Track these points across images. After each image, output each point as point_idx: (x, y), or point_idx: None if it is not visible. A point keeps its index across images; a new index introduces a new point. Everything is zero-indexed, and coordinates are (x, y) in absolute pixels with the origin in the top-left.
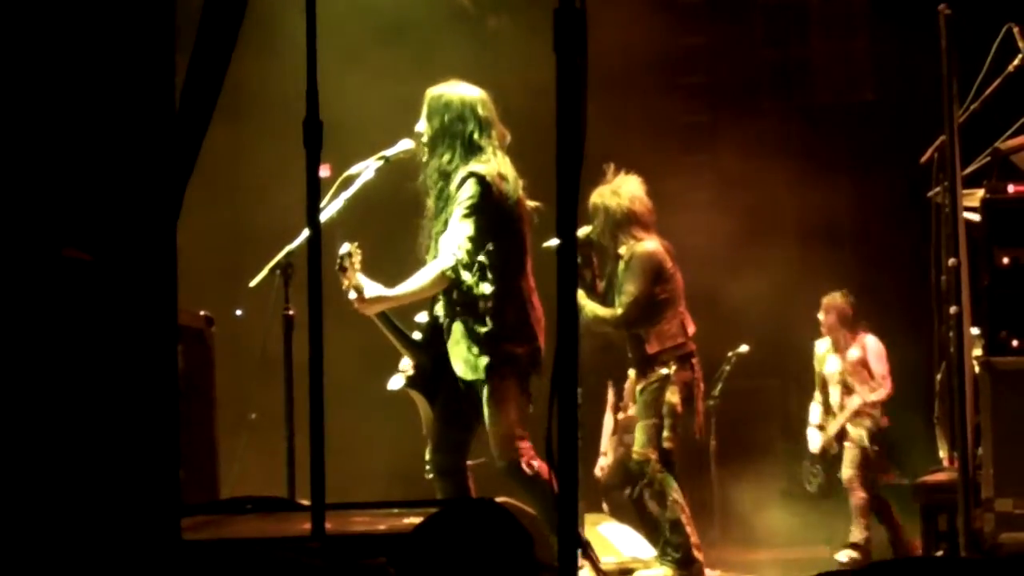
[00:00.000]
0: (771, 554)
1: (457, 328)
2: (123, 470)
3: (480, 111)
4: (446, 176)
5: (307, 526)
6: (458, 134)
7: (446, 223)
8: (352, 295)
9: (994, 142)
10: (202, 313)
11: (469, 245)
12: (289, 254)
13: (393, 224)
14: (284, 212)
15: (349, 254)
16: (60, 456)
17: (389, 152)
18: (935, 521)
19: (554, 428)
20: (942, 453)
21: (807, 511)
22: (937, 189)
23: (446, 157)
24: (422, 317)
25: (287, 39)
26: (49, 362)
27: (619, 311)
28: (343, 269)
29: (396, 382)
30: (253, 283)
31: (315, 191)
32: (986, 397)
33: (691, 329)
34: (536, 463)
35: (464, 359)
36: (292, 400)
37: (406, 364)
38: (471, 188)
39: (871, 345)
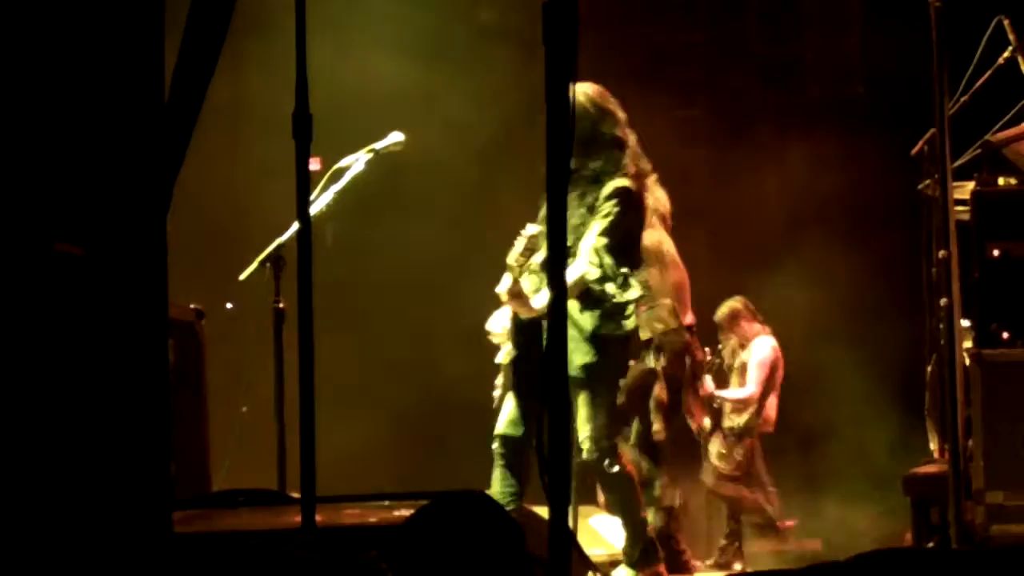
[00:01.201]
0: (764, 546)
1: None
2: (114, 464)
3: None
4: (587, 179)
5: (298, 519)
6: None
7: (584, 225)
8: (507, 283)
9: (984, 135)
10: (192, 306)
11: (609, 258)
12: (279, 247)
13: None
14: (274, 205)
15: (534, 236)
16: (51, 450)
17: (379, 145)
18: (926, 514)
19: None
20: (933, 445)
21: (800, 504)
22: (928, 182)
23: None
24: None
25: (278, 32)
26: (40, 356)
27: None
28: (527, 251)
29: (502, 356)
30: (243, 276)
31: (305, 184)
32: (976, 389)
33: (687, 320)
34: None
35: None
36: (283, 393)
37: (500, 321)
38: (616, 202)
39: (755, 348)
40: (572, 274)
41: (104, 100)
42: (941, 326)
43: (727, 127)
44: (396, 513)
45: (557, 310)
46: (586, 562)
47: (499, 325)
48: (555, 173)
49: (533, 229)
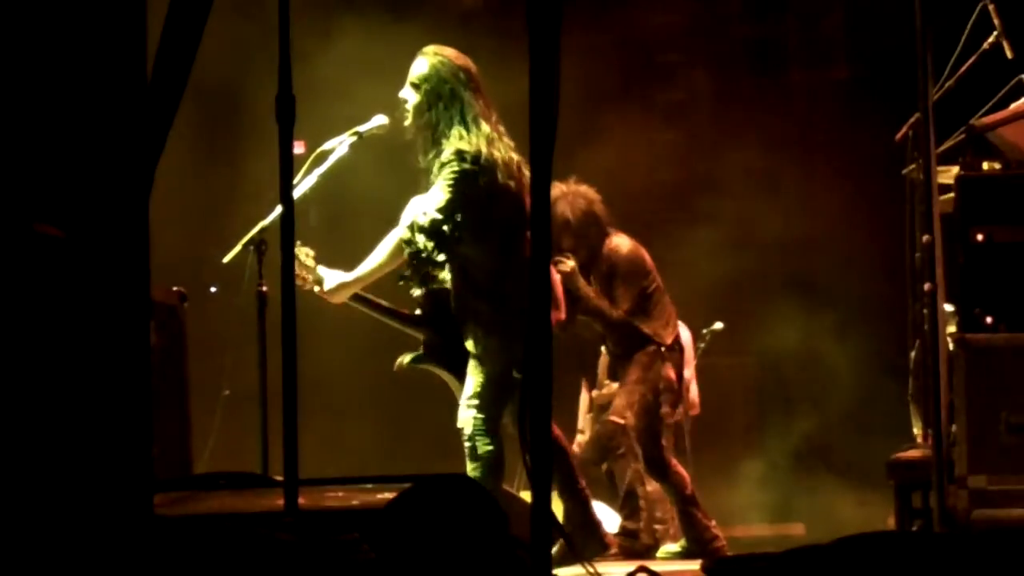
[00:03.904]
0: (746, 531)
1: (462, 305)
2: (95, 446)
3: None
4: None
5: (280, 502)
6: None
7: None
8: (315, 289)
9: (969, 119)
10: (175, 289)
11: (436, 215)
12: (262, 230)
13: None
14: (258, 188)
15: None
16: (32, 434)
17: (363, 128)
18: (909, 498)
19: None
20: (916, 430)
21: (783, 488)
22: (912, 166)
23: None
24: (418, 292)
25: (262, 12)
26: (19, 338)
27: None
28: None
29: (405, 359)
30: (226, 259)
31: (288, 167)
32: (960, 374)
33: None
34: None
35: (471, 333)
36: (265, 376)
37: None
38: (454, 167)
39: None
40: (388, 241)
41: (85, 80)
42: (925, 311)
43: (709, 110)
44: (379, 496)
45: (540, 299)
46: (570, 545)
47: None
48: (538, 157)
49: None
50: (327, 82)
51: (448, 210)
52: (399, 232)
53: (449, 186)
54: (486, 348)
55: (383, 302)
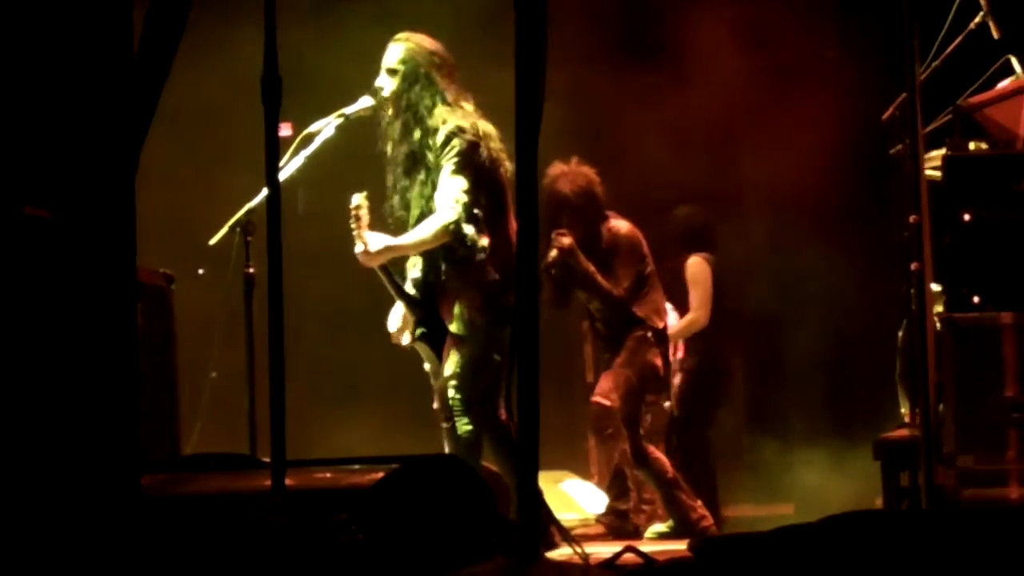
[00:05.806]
0: (736, 512)
1: (453, 284)
2: (84, 428)
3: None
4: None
5: (268, 483)
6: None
7: (426, 180)
8: (359, 248)
9: (956, 99)
10: (162, 271)
11: (465, 199)
12: (249, 212)
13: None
14: (244, 171)
15: (359, 206)
16: (20, 415)
17: (349, 110)
18: (897, 478)
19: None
20: (904, 410)
21: (772, 471)
22: (899, 147)
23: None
24: (415, 273)
25: None
26: (7, 320)
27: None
28: (356, 220)
29: (406, 338)
30: (213, 241)
31: (274, 149)
32: (947, 354)
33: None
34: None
35: (459, 315)
36: (253, 357)
37: (397, 318)
38: (456, 143)
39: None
40: (434, 222)
41: (71, 61)
42: (912, 290)
43: (697, 90)
44: (367, 476)
45: (527, 274)
46: (558, 526)
47: (394, 323)
48: (524, 149)
49: (356, 200)
50: (314, 63)
51: (472, 192)
52: (445, 216)
53: (462, 165)
54: (470, 329)
55: (397, 279)
